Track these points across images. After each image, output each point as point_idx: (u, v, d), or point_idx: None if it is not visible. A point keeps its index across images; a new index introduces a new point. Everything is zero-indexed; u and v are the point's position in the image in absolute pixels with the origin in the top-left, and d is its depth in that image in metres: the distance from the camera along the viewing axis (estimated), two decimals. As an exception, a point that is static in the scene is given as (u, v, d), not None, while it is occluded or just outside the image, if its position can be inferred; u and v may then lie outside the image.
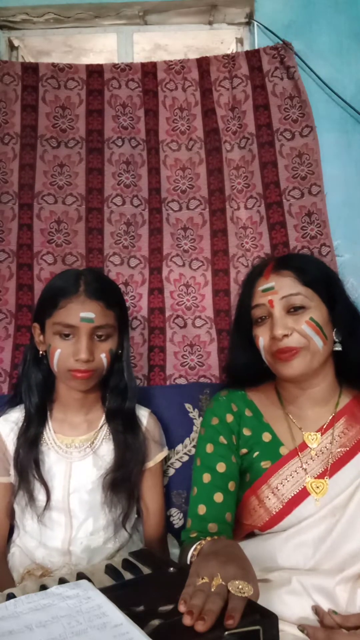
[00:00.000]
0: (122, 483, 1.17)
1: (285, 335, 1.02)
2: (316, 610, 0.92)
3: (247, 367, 1.15)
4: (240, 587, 0.74)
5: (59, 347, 1.11)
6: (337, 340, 1.07)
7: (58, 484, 1.17)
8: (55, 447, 1.19)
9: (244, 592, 0.73)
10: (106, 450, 1.20)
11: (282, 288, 1.04)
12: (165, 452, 1.30)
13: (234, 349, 1.21)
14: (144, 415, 1.27)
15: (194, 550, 0.91)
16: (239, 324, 1.16)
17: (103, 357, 1.14)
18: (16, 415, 1.23)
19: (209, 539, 0.92)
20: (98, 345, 1.13)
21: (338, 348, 1.07)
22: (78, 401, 1.21)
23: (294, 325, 1.02)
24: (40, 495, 1.15)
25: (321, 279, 1.06)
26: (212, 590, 0.73)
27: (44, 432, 1.20)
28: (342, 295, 1.09)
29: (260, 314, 1.08)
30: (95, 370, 1.13)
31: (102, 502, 1.17)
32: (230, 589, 0.74)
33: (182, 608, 0.71)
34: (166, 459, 1.38)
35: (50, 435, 1.20)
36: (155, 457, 1.26)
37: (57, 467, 1.18)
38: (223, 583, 0.74)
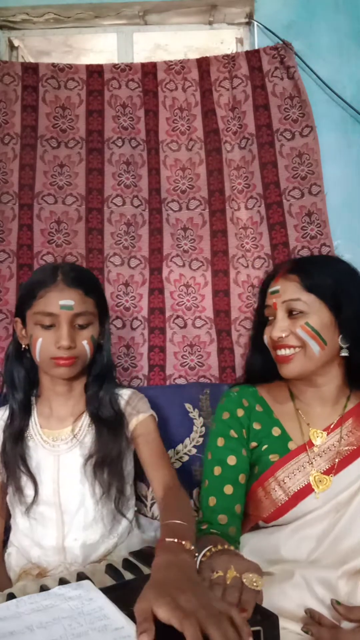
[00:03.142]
0: (104, 464, 1.15)
1: (281, 337, 1.08)
2: (311, 613, 0.92)
3: (263, 363, 1.20)
4: (254, 580, 0.77)
5: (40, 337, 1.12)
6: (343, 345, 1.09)
7: (47, 478, 1.16)
8: (42, 442, 1.19)
9: (257, 586, 0.76)
10: (91, 438, 1.19)
11: (285, 292, 1.09)
12: (151, 412, 1.26)
13: (252, 346, 1.27)
14: (125, 394, 1.26)
15: (203, 556, 0.92)
16: (257, 322, 1.22)
17: (85, 344, 1.14)
18: (1, 413, 1.24)
19: (219, 547, 0.92)
20: (79, 332, 1.14)
21: (344, 353, 1.10)
22: (62, 394, 1.21)
23: (291, 328, 1.08)
24: (29, 491, 1.15)
25: (328, 284, 1.08)
26: (228, 582, 0.76)
27: (30, 428, 1.20)
28: (351, 301, 1.09)
29: (268, 314, 1.14)
30: (77, 357, 1.14)
31: (91, 492, 1.16)
32: (244, 580, 0.76)
33: None
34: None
35: (36, 430, 1.20)
36: (139, 416, 1.23)
37: (45, 462, 1.17)
38: (237, 575, 0.77)
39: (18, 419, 1.20)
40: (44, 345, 1.12)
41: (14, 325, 1.21)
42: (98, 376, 1.23)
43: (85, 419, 1.21)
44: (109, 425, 1.19)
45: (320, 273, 1.10)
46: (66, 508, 1.16)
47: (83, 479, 1.16)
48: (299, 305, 1.07)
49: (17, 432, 1.18)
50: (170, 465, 1.21)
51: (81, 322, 1.14)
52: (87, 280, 1.18)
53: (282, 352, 1.09)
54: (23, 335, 1.19)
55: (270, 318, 1.14)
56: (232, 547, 0.97)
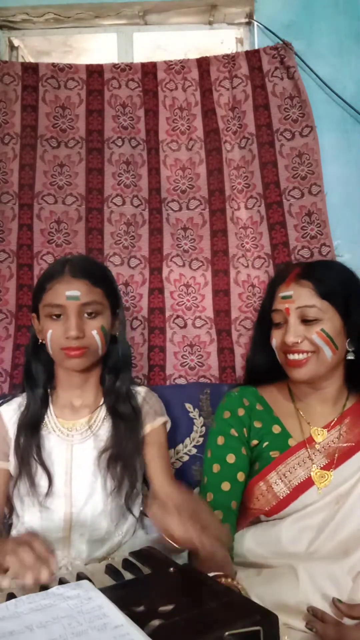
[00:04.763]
0: (119, 459, 1.16)
1: (296, 343, 1.09)
2: (313, 611, 0.92)
3: (266, 364, 1.22)
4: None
5: (50, 328, 1.15)
6: (349, 349, 1.13)
7: (59, 469, 1.17)
8: (57, 430, 1.20)
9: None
10: (105, 431, 1.21)
11: (299, 298, 1.11)
12: (166, 418, 1.28)
13: (254, 347, 1.30)
14: (141, 390, 1.28)
15: None
16: (261, 323, 1.24)
17: (95, 334, 1.15)
18: (19, 400, 1.25)
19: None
20: (88, 322, 1.15)
21: (350, 357, 1.14)
22: (78, 385, 1.23)
23: (306, 334, 1.10)
24: (41, 482, 1.15)
25: (339, 291, 1.12)
26: None
27: (46, 417, 1.22)
28: (359, 306, 1.13)
29: (277, 319, 1.15)
30: (88, 347, 1.15)
31: (102, 485, 1.16)
32: None
33: None
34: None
35: (52, 419, 1.22)
36: (154, 422, 1.24)
37: (57, 451, 1.18)
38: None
39: (36, 409, 1.21)
40: (54, 336, 1.14)
41: (32, 320, 1.24)
42: (114, 367, 1.25)
43: (102, 412, 1.23)
44: (126, 420, 1.20)
45: (332, 280, 1.13)
46: (75, 500, 1.16)
47: (95, 472, 1.17)
48: (314, 312, 1.09)
49: (34, 422, 1.20)
50: (172, 480, 1.22)
51: (89, 310, 1.15)
52: (94, 271, 1.20)
53: (295, 356, 1.11)
54: (39, 330, 1.21)
55: (278, 322, 1.15)
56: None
